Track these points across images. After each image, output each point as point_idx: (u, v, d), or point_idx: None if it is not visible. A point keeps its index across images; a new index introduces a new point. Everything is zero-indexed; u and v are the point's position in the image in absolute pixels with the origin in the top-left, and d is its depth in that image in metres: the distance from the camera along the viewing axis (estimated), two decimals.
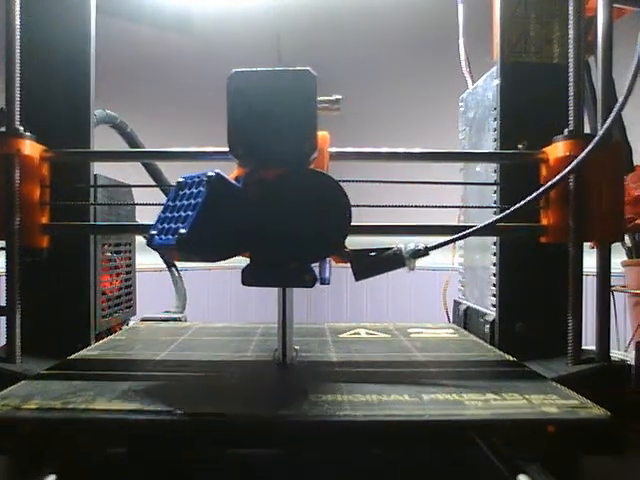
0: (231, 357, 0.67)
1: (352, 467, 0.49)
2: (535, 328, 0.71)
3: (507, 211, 0.57)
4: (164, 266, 1.09)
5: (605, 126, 0.58)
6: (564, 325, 0.62)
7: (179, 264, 1.10)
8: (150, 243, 0.51)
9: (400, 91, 2.06)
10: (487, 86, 0.80)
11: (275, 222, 0.51)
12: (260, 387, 0.57)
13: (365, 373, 0.61)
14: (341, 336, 0.81)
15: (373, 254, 0.57)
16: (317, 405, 0.48)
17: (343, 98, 0.57)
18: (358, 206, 0.56)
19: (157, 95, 1.93)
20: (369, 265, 0.57)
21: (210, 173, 0.49)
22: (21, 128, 0.64)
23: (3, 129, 0.63)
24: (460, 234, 0.58)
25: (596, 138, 0.58)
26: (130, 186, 0.82)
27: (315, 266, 0.54)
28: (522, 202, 0.57)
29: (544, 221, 0.65)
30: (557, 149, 0.64)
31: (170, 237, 0.49)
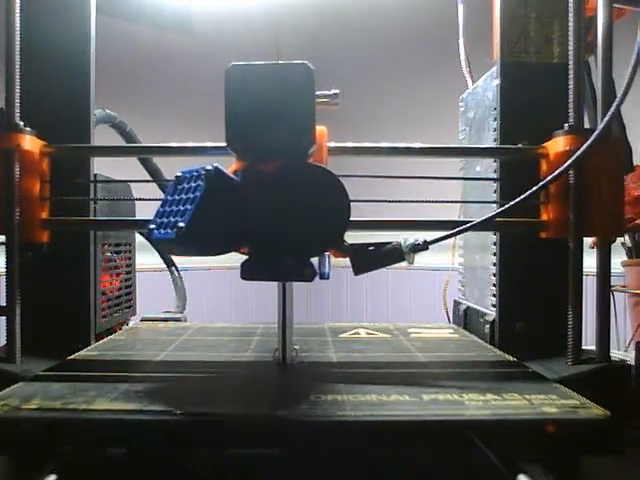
0: (231, 357, 0.67)
1: (351, 467, 0.49)
2: (535, 328, 0.71)
3: (507, 205, 0.57)
4: (164, 266, 1.09)
5: (606, 119, 0.58)
6: (564, 325, 0.62)
7: (179, 264, 1.10)
8: (149, 237, 0.51)
9: (400, 91, 2.06)
10: (487, 86, 0.80)
11: (274, 216, 0.51)
12: (260, 387, 0.57)
13: (365, 373, 0.61)
14: (341, 336, 0.81)
15: (372, 248, 0.57)
16: (317, 405, 0.48)
17: (341, 93, 0.57)
18: (357, 201, 0.56)
19: (157, 95, 1.93)
20: (368, 259, 0.57)
21: (209, 167, 0.49)
22: (21, 123, 0.63)
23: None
24: (459, 228, 0.58)
25: (596, 131, 0.58)
26: (130, 181, 0.82)
27: (315, 261, 0.54)
28: (522, 196, 0.57)
29: (544, 216, 0.65)
30: (557, 144, 0.64)
31: (169, 231, 0.49)
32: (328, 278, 0.58)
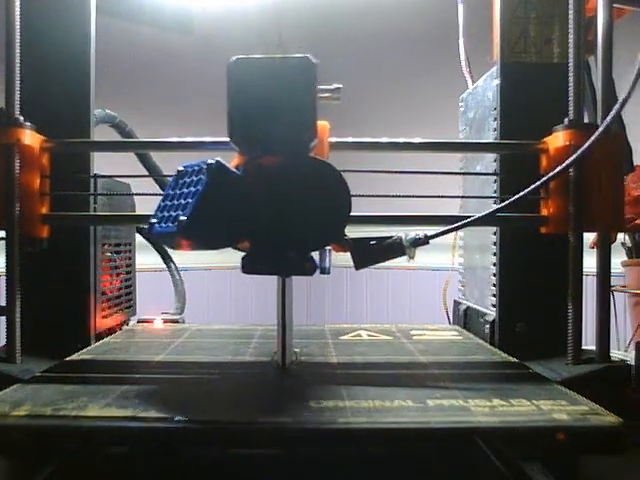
0: (229, 361, 0.66)
1: (351, 467, 0.49)
2: (535, 328, 0.71)
3: (508, 200, 0.57)
4: (164, 266, 1.09)
5: (611, 114, 0.58)
6: (564, 325, 0.62)
7: (179, 264, 1.10)
8: (150, 231, 0.51)
9: (400, 91, 2.06)
10: (487, 86, 0.80)
11: (275, 210, 0.50)
12: (259, 393, 0.55)
13: (367, 377, 0.59)
14: (342, 338, 0.80)
15: (373, 243, 0.57)
16: (318, 412, 0.46)
17: (342, 88, 0.57)
18: (358, 196, 0.56)
19: (157, 95, 1.93)
20: (369, 254, 0.57)
21: (210, 161, 0.49)
22: (21, 118, 0.63)
23: None
24: (460, 223, 0.58)
25: (601, 127, 0.58)
26: (129, 177, 0.81)
27: (316, 255, 0.54)
28: (523, 192, 0.57)
29: (544, 211, 0.65)
30: (557, 139, 0.64)
31: (170, 225, 0.49)
32: (329, 273, 0.57)
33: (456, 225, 0.58)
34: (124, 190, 0.85)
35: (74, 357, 0.67)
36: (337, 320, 2.16)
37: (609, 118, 0.58)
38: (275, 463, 0.49)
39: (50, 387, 0.53)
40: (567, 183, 0.62)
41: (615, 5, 0.77)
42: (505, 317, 0.73)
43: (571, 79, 0.63)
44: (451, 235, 1.01)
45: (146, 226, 0.53)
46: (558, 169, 0.58)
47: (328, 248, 0.57)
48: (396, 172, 0.68)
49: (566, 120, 0.63)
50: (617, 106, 0.58)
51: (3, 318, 0.63)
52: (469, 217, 0.59)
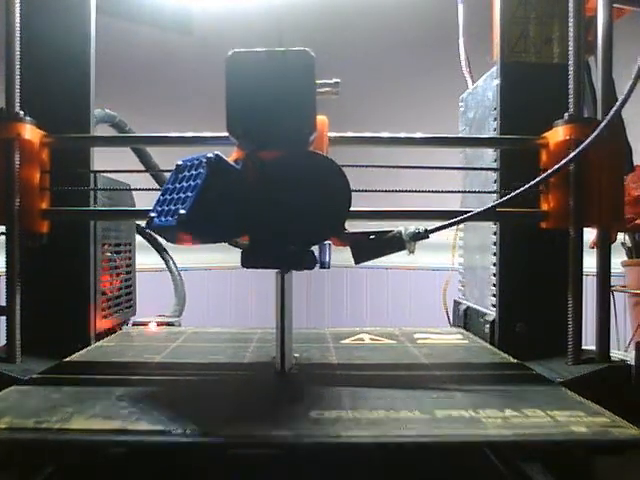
0: (226, 366, 0.64)
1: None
2: (535, 328, 0.71)
3: (509, 195, 0.57)
4: (164, 266, 1.09)
5: (614, 109, 0.58)
6: (564, 325, 0.62)
7: (179, 264, 1.10)
8: (149, 225, 0.51)
9: (399, 91, 2.06)
10: (487, 86, 0.80)
11: (275, 204, 0.50)
12: (256, 402, 0.53)
13: (370, 385, 0.56)
14: (343, 342, 0.77)
15: (373, 237, 0.56)
16: (318, 424, 0.43)
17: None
18: (358, 191, 0.56)
19: (157, 95, 1.93)
20: (369, 248, 0.56)
21: (210, 155, 0.49)
22: (21, 112, 0.63)
23: None
24: (460, 217, 0.58)
25: (604, 122, 0.57)
26: (129, 172, 0.81)
27: (315, 250, 0.54)
28: (524, 187, 0.57)
29: (544, 206, 0.65)
30: (557, 133, 0.64)
31: (170, 218, 0.48)
32: (329, 267, 0.57)
33: (456, 220, 0.58)
34: (124, 193, 0.85)
35: (63, 362, 0.65)
36: (337, 320, 2.16)
37: (612, 112, 0.57)
38: (275, 463, 0.48)
39: (36, 395, 0.51)
40: (567, 177, 0.62)
41: (615, 5, 0.77)
42: (505, 317, 0.73)
43: (571, 79, 0.63)
44: (451, 235, 1.01)
45: (146, 224, 0.53)
46: (559, 164, 0.58)
47: (328, 242, 0.57)
48: (396, 167, 0.68)
49: (566, 115, 0.63)
50: (619, 102, 0.58)
51: (3, 318, 0.63)
52: (469, 212, 0.59)
